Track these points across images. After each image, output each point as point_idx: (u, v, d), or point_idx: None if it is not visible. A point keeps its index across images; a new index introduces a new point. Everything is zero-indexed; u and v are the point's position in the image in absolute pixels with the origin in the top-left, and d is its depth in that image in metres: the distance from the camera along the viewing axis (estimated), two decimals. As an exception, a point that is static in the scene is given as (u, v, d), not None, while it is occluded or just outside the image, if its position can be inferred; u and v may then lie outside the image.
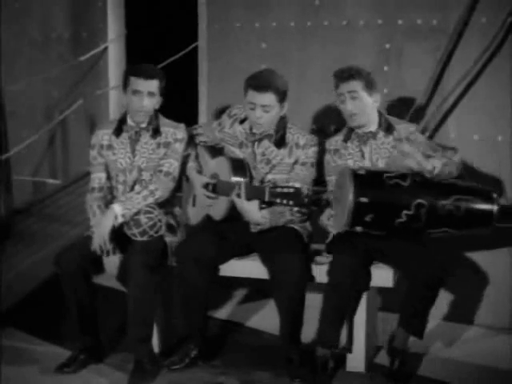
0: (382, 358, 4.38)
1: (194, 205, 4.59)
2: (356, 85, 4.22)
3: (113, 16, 6.68)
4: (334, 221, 4.25)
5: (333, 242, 4.33)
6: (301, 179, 4.35)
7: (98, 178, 4.55)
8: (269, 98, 4.29)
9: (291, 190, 4.02)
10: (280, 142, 4.40)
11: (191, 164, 4.60)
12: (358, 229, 4.05)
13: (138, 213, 4.30)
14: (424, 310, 4.13)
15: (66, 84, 6.77)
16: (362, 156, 4.31)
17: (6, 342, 4.63)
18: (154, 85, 4.39)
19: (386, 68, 5.01)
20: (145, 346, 4.26)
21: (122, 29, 6.74)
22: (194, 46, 6.06)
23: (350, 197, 4.01)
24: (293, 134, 4.41)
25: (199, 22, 5.55)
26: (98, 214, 4.42)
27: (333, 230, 4.29)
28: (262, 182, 4.39)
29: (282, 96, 4.31)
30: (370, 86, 4.24)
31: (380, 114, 4.32)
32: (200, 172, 4.59)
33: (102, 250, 4.28)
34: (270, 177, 4.39)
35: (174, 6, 7.50)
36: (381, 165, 4.27)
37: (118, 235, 4.33)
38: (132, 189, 4.46)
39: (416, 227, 4.07)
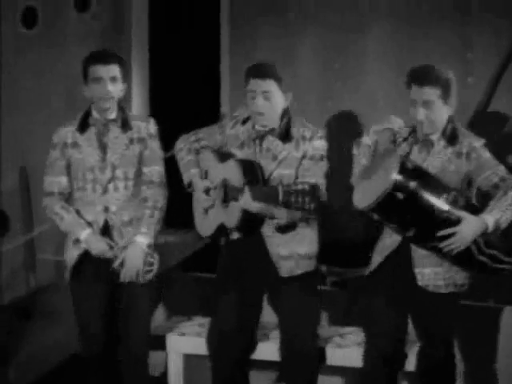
0: None
1: (206, 213, 4.39)
2: (432, 93, 3.97)
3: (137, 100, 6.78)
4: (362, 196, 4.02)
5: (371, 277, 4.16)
6: (311, 174, 4.17)
7: (58, 182, 4.31)
8: (269, 84, 4.20)
9: (306, 187, 3.83)
10: (285, 136, 4.22)
11: (194, 170, 4.42)
12: (399, 195, 3.85)
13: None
14: None
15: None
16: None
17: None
18: (114, 70, 4.24)
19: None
20: None
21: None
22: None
23: (397, 155, 3.92)
24: (298, 127, 4.24)
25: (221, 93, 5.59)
26: (66, 217, 4.23)
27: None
28: (267, 179, 4.22)
29: (282, 84, 4.21)
30: (447, 93, 3.97)
31: (448, 122, 4.06)
32: (201, 177, 4.43)
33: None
34: (277, 173, 4.22)
35: (198, 80, 7.52)
36: None
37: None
38: (106, 189, 4.25)
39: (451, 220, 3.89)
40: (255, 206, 4.04)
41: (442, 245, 3.89)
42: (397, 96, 5.14)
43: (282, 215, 4.12)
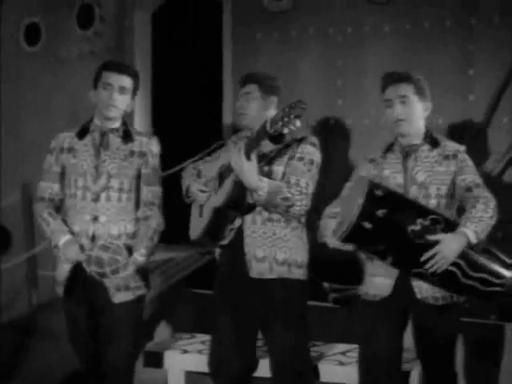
0: None
1: (200, 215, 4.34)
2: (407, 89, 4.05)
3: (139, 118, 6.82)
4: (337, 228, 4.00)
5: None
6: (298, 173, 4.13)
7: (50, 187, 4.26)
8: (249, 88, 4.25)
9: (292, 104, 3.82)
10: (277, 138, 4.14)
11: (194, 177, 4.40)
12: (367, 225, 3.78)
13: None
14: None
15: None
16: (403, 167, 4.07)
17: None
18: (125, 81, 4.19)
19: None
20: None
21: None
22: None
23: (366, 183, 3.84)
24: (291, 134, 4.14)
25: (224, 110, 5.63)
26: (51, 223, 4.19)
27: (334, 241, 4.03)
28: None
29: (265, 88, 4.24)
30: (420, 91, 4.06)
31: (427, 131, 4.11)
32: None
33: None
34: (266, 168, 4.17)
35: (200, 98, 7.57)
36: (420, 179, 4.04)
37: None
38: (97, 197, 4.20)
39: (428, 244, 3.82)
40: (243, 163, 3.95)
41: (425, 267, 3.85)
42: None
43: (263, 189, 4.00)
